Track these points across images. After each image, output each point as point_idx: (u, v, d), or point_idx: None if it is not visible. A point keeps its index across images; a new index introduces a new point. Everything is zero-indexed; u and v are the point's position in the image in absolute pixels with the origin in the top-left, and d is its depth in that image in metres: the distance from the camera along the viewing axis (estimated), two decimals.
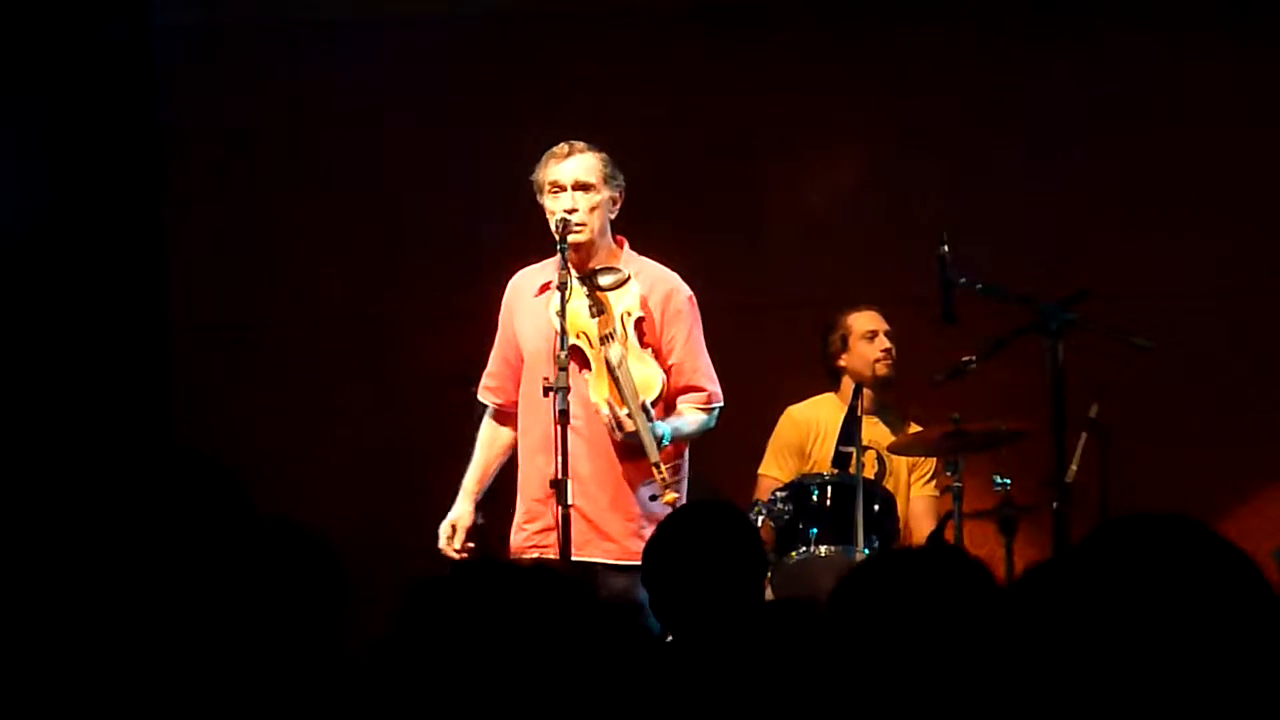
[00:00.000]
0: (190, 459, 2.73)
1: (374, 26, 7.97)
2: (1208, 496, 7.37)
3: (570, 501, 5.63)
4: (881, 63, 7.91)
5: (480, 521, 6.08)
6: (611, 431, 5.77)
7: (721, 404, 6.01)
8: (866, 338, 7.11)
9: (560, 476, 5.63)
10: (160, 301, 7.95)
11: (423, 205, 7.95)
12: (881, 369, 7.08)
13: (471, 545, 6.01)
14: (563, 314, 5.71)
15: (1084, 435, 6.77)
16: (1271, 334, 7.73)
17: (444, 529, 6.02)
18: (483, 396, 6.16)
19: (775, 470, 7.02)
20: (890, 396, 7.15)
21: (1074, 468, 6.63)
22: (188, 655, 2.56)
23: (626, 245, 6.03)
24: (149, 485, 2.65)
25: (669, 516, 4.90)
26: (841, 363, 7.13)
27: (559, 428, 5.63)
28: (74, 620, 2.57)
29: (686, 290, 6.02)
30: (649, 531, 5.79)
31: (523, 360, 6.02)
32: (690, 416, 5.93)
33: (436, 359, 7.48)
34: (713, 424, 5.99)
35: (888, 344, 7.08)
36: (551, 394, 5.66)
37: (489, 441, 6.14)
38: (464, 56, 7.99)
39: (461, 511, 6.05)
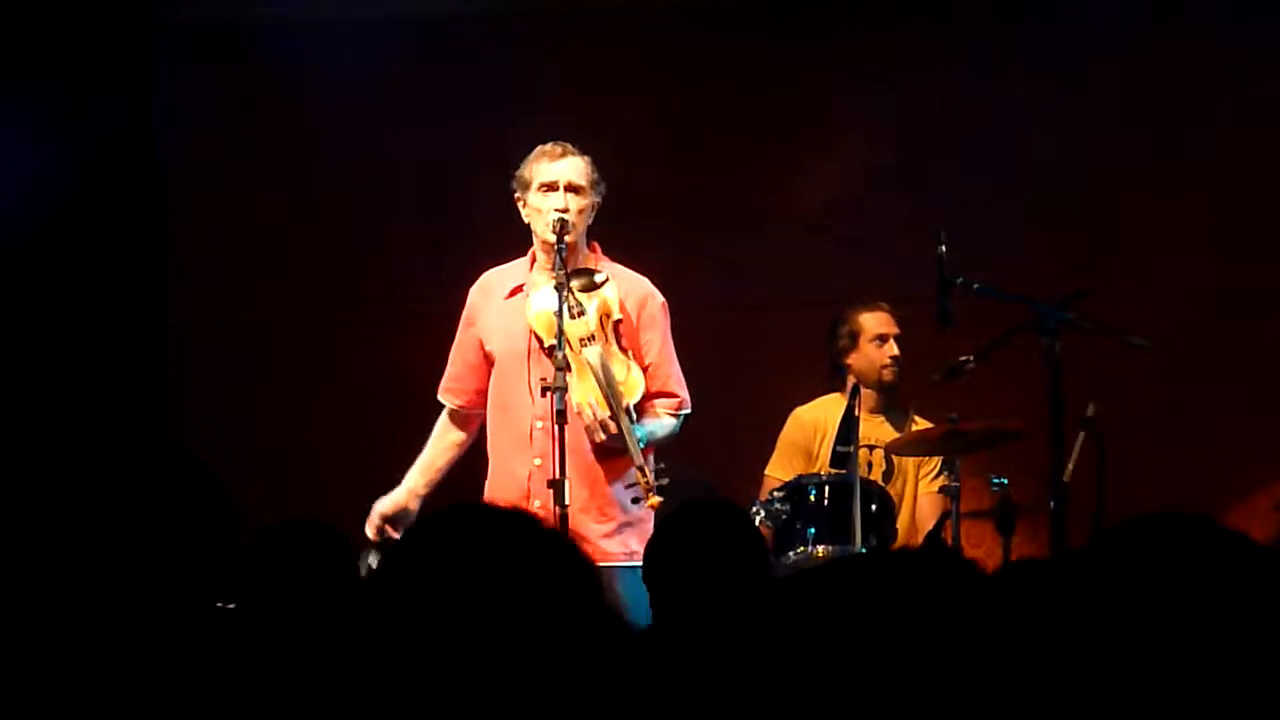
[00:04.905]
0: (168, 456, 2.72)
1: (374, 26, 7.98)
2: (1205, 496, 7.37)
3: (567, 503, 5.64)
4: (882, 61, 7.91)
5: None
6: (592, 434, 5.77)
7: (689, 411, 6.02)
8: (876, 341, 7.06)
9: (558, 477, 5.63)
10: (158, 300, 7.96)
11: (422, 204, 7.96)
12: (888, 375, 7.04)
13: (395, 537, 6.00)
14: (560, 314, 5.72)
15: (1081, 435, 6.76)
16: (1271, 334, 7.73)
17: (377, 513, 6.01)
18: (443, 397, 6.19)
19: (780, 472, 6.99)
20: (894, 397, 7.14)
21: (1071, 467, 6.62)
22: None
23: (600, 251, 6.03)
24: (125, 481, 2.65)
25: (670, 515, 4.90)
26: (848, 361, 7.10)
27: (557, 428, 5.63)
28: (48, 612, 2.58)
29: (660, 296, 6.05)
30: (624, 532, 5.80)
31: (487, 361, 6.03)
32: (664, 420, 5.97)
33: (436, 358, 7.47)
34: (678, 430, 6.01)
35: (896, 350, 7.03)
36: (550, 394, 5.67)
37: (440, 439, 6.16)
38: (464, 56, 8.00)
39: (396, 500, 6.05)
